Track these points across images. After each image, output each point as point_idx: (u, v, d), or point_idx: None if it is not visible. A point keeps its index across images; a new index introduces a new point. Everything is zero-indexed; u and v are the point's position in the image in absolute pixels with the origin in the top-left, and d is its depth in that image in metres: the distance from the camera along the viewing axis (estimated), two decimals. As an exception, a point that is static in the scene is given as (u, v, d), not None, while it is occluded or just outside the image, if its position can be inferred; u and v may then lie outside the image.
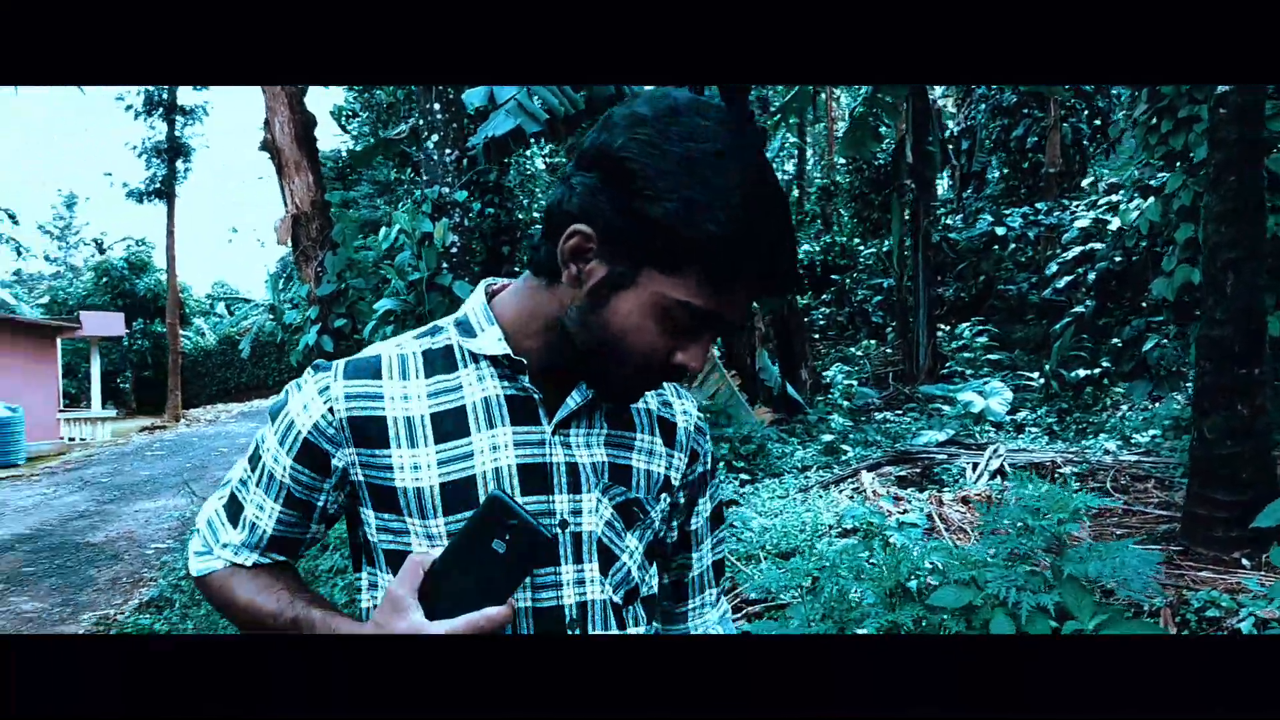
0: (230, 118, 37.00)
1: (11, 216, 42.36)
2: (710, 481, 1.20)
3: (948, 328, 10.42)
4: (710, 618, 1.25)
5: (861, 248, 18.13)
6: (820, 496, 5.74)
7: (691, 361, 0.93)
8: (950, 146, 17.87)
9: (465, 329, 1.02)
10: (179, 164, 20.74)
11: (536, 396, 1.00)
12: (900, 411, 8.44)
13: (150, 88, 19.17)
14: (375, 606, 1.02)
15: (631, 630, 1.06)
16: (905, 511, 4.60)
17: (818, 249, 18.19)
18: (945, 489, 5.66)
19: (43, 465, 15.85)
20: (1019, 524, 2.76)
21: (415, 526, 0.98)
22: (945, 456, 6.30)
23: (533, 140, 7.52)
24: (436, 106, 5.86)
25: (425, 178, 5.91)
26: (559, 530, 0.99)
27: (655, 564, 1.12)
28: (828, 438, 7.23)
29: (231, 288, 41.29)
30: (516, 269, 14.80)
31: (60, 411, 20.06)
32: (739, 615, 3.76)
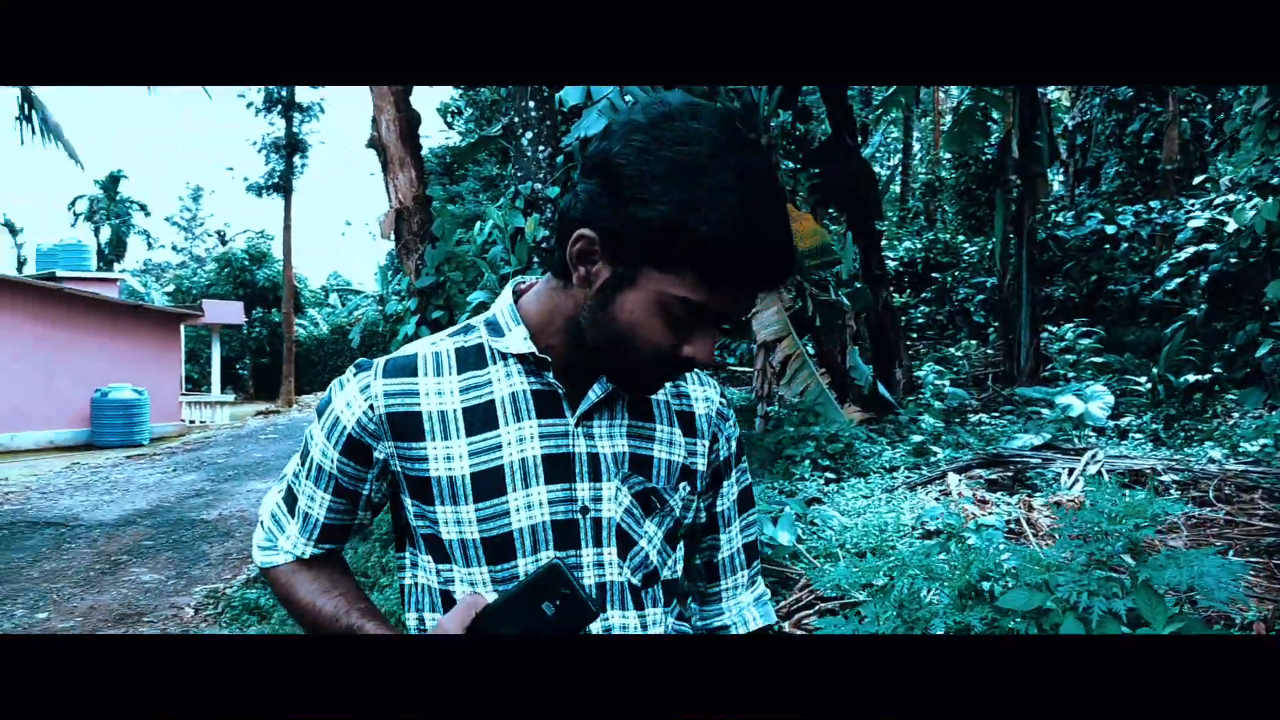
0: (344, 114, 38.44)
1: (143, 209, 45.11)
2: (735, 465, 1.24)
3: (1054, 329, 10.07)
4: (744, 599, 1.29)
5: (966, 245, 17.66)
6: (905, 498, 5.67)
7: (698, 354, 0.98)
8: (1064, 141, 17.23)
9: (494, 329, 1.10)
10: (296, 159, 21.68)
11: (560, 391, 1.07)
12: (997, 414, 8.23)
13: (271, 89, 20.07)
14: (415, 584, 1.13)
15: (649, 610, 1.12)
16: (989, 514, 4.51)
17: (919, 246, 17.79)
18: (1038, 494, 5.52)
19: (164, 445, 16.86)
20: (1095, 528, 2.70)
21: (447, 513, 1.05)
22: (1040, 461, 6.13)
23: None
24: (531, 104, 6.03)
25: (519, 174, 6.09)
26: (579, 515, 1.06)
27: (680, 549, 1.18)
28: (917, 438, 7.12)
29: (345, 279, 42.95)
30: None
31: (182, 395, 21.16)
32: (812, 611, 3.78)
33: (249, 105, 20.58)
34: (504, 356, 1.08)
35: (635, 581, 1.10)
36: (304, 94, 21.51)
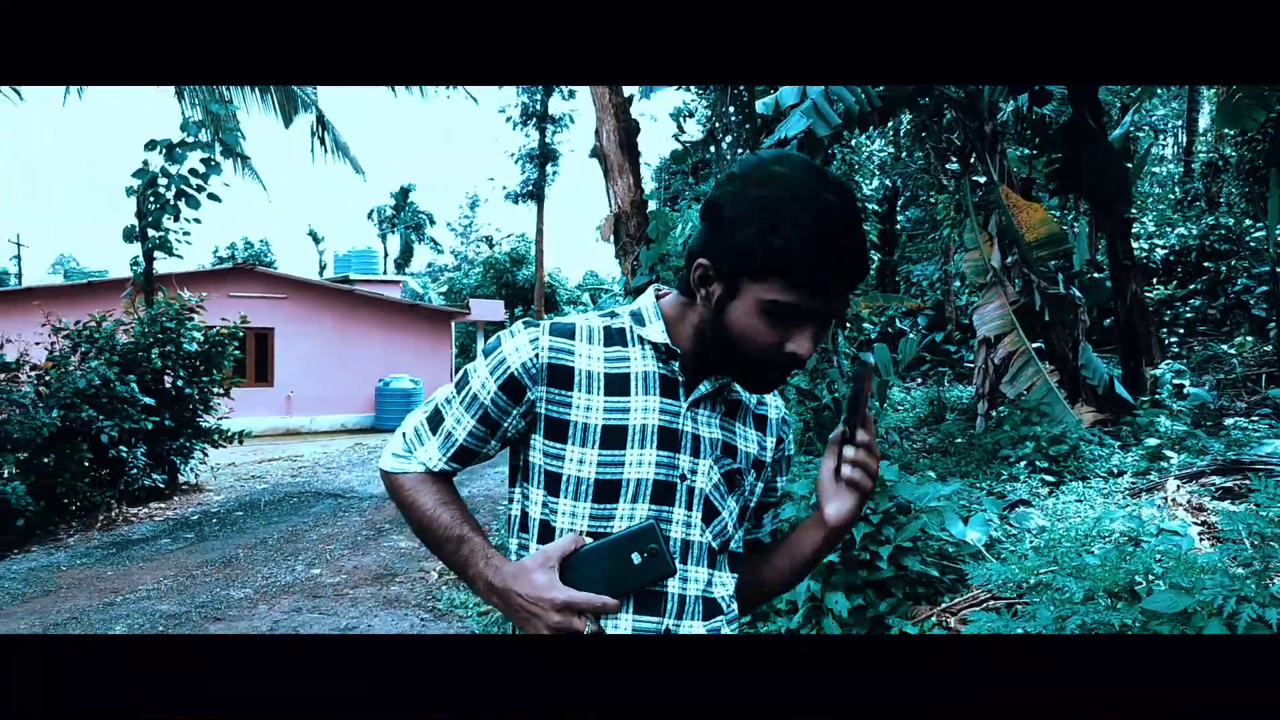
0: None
1: (429, 218, 49.86)
2: (789, 467, 1.52)
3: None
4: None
5: (1253, 230, 15.72)
6: (1121, 503, 5.34)
7: (799, 350, 1.19)
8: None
9: (638, 318, 1.34)
10: (548, 168, 23.15)
11: (681, 379, 1.31)
12: (1255, 418, 7.40)
13: (525, 100, 21.60)
14: (522, 513, 1.36)
15: (719, 573, 1.37)
16: (1197, 521, 4.19)
17: (1194, 232, 16.07)
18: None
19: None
20: (1257, 533, 2.50)
21: (574, 452, 1.28)
22: (1289, 469, 5.51)
23: (828, 141, 7.67)
24: (731, 109, 6.25)
25: (718, 177, 6.31)
26: (678, 481, 1.30)
27: (742, 529, 1.43)
28: (1153, 442, 6.61)
29: (600, 279, 45.18)
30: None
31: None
32: (979, 604, 3.75)
33: (507, 119, 22.34)
34: (643, 342, 1.32)
35: (714, 544, 1.34)
36: (556, 105, 22.96)
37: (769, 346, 1.19)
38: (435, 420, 1.38)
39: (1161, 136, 24.73)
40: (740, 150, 6.18)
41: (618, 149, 7.51)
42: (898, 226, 23.10)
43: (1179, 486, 5.07)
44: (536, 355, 1.28)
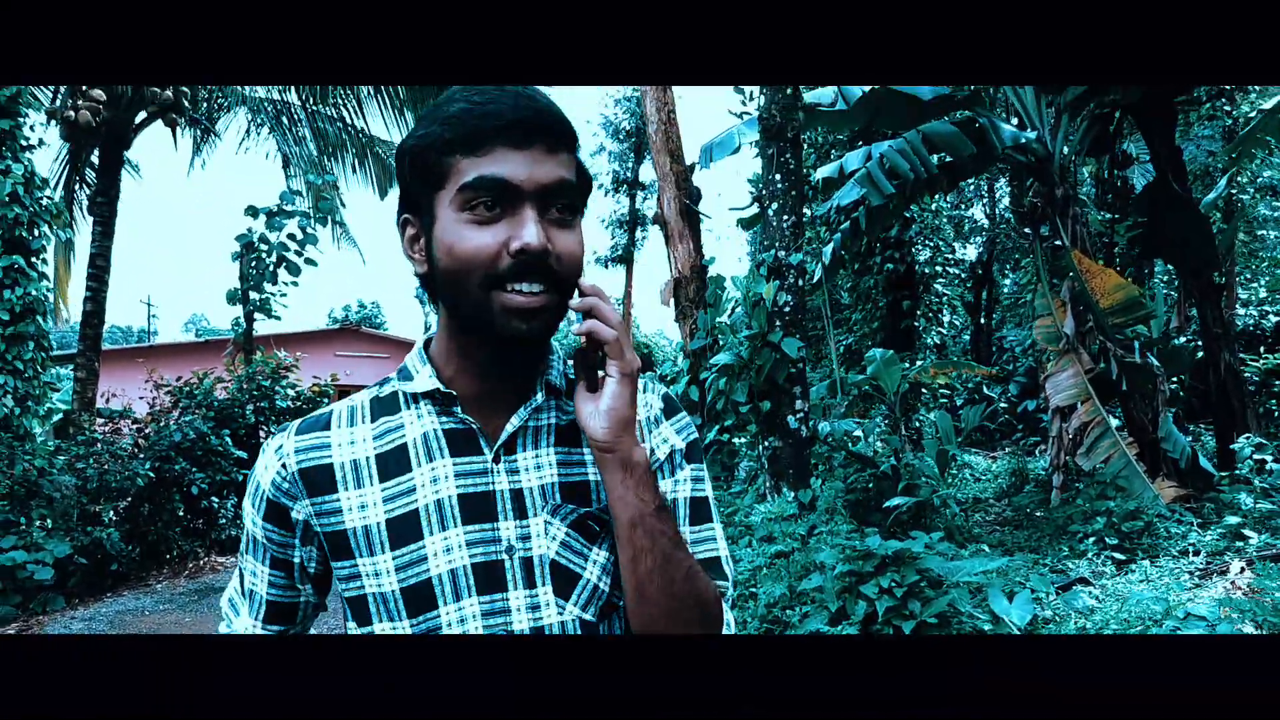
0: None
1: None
2: (677, 469, 1.15)
3: None
4: None
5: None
6: (1183, 585, 5.05)
7: (523, 236, 0.94)
8: None
9: (404, 374, 1.09)
10: (638, 232, 23.66)
11: (475, 426, 1.04)
12: (1358, 497, 6.89)
13: (616, 168, 22.22)
14: None
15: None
16: (1253, 602, 3.94)
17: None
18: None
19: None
20: (1259, 620, 2.34)
21: (365, 566, 1.02)
22: (1378, 554, 5.14)
23: (893, 205, 7.67)
24: (778, 177, 6.34)
25: (765, 242, 6.40)
26: (504, 556, 1.02)
27: None
28: (1234, 520, 6.24)
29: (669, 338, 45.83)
30: (915, 322, 14.58)
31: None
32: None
33: (599, 186, 23.01)
34: (416, 399, 1.07)
35: (589, 617, 1.05)
36: (646, 172, 23.53)
37: (490, 256, 0.94)
38: (241, 582, 1.17)
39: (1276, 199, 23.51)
40: (787, 217, 6.26)
41: (678, 215, 7.68)
42: (999, 292, 22.57)
43: (1242, 569, 4.78)
44: (283, 466, 1.06)
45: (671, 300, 8.09)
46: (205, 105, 11.68)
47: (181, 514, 9.37)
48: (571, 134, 1.00)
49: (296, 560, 1.10)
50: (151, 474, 8.58)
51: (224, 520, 9.92)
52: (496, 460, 1.04)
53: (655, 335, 38.74)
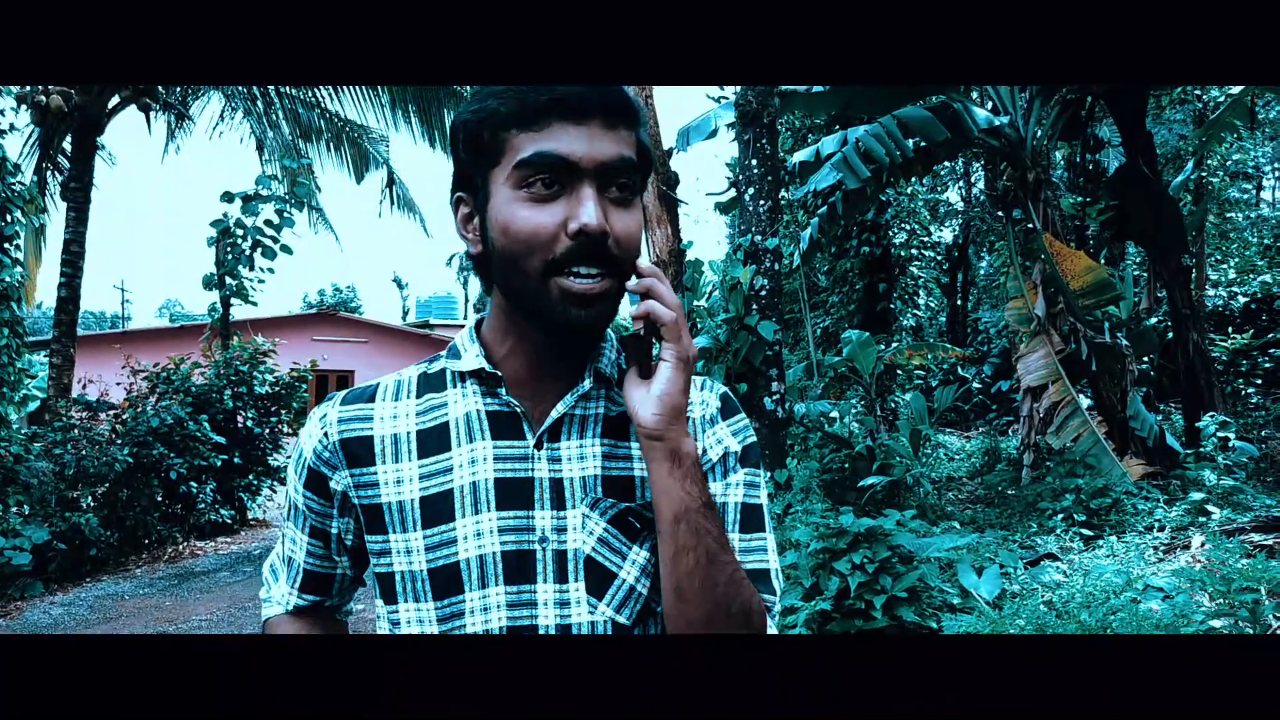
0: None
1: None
2: (728, 473, 1.08)
3: None
4: None
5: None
6: (1148, 559, 5.20)
7: (581, 216, 0.90)
8: None
9: (453, 352, 1.06)
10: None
11: (519, 410, 1.01)
12: (1316, 473, 7.09)
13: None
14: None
15: None
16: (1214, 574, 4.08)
17: (1276, 280, 15.43)
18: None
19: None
20: (1209, 590, 2.45)
21: (397, 542, 0.99)
22: (1335, 528, 5.30)
23: (871, 190, 7.75)
24: (754, 162, 6.40)
25: (742, 227, 6.47)
26: (536, 546, 0.98)
27: None
28: (1198, 496, 6.40)
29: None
30: (891, 305, 14.73)
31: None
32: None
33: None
34: (463, 378, 1.04)
35: (623, 620, 0.99)
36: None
37: (548, 237, 0.90)
38: (283, 549, 1.16)
39: (1250, 181, 23.86)
40: (762, 203, 6.32)
41: (656, 200, 7.72)
42: (975, 274, 22.78)
43: (1203, 543, 4.93)
44: (325, 434, 1.04)
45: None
46: (179, 90, 11.58)
47: (160, 499, 9.36)
48: (632, 109, 0.95)
49: (334, 531, 1.08)
50: (129, 459, 8.56)
51: (203, 505, 9.92)
52: (539, 446, 1.00)
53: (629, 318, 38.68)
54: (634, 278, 0.96)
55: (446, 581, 0.97)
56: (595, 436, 1.02)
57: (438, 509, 0.98)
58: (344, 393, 1.07)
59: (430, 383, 1.06)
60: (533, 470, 0.99)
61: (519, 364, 1.02)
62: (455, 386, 1.04)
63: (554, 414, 1.00)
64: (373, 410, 1.04)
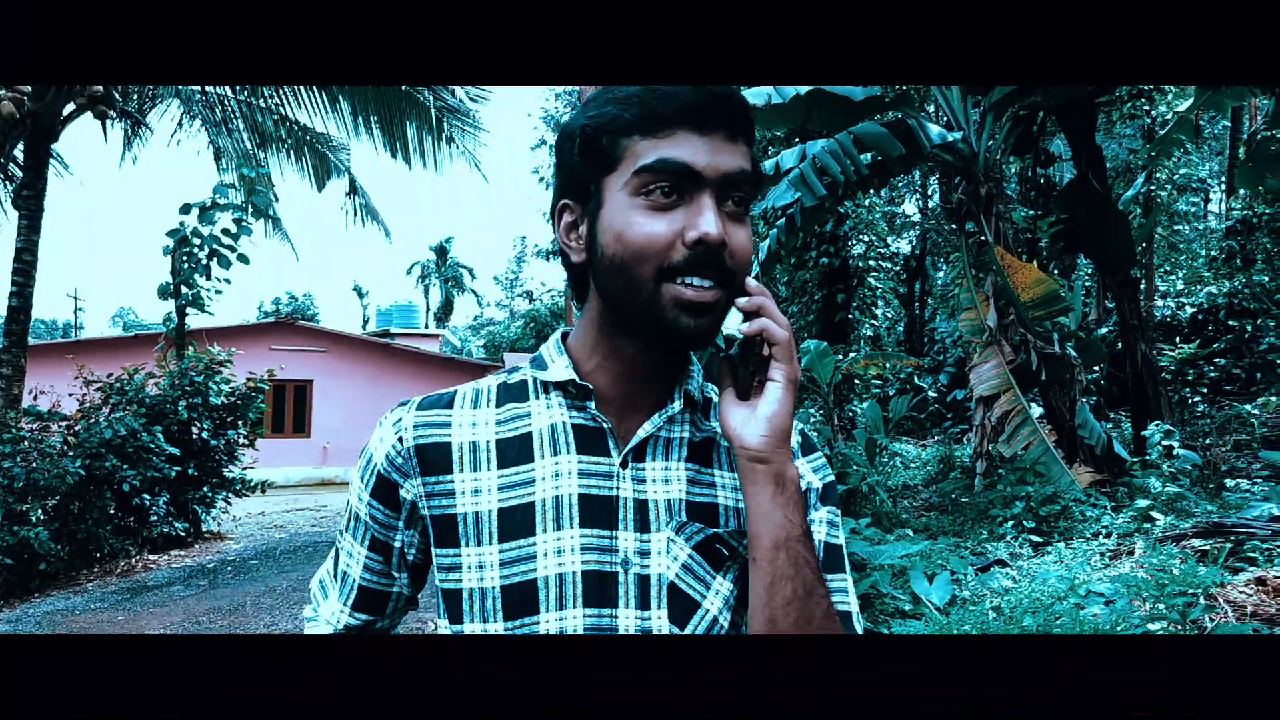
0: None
1: (471, 272, 50.92)
2: (812, 507, 1.04)
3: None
4: None
5: (1288, 288, 15.48)
6: (1095, 565, 5.34)
7: (701, 226, 0.87)
8: None
9: (538, 363, 1.03)
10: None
11: (606, 425, 0.97)
12: (1256, 480, 7.32)
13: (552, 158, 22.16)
14: None
15: None
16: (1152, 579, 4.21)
17: (1224, 290, 15.89)
18: (1257, 568, 4.98)
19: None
20: (1144, 595, 2.55)
21: (469, 557, 0.95)
22: (1270, 533, 5.48)
23: (829, 204, 7.87)
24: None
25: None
26: (619, 569, 0.94)
27: None
28: (1144, 503, 6.58)
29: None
30: (850, 315, 14.93)
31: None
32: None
33: (540, 179, 22.97)
34: (548, 389, 1.00)
35: None
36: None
37: (664, 245, 0.87)
38: (335, 562, 1.10)
39: (1198, 195, 24.51)
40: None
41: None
42: (932, 284, 23.15)
43: (1145, 550, 5.07)
44: (399, 440, 0.99)
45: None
46: (136, 97, 11.43)
47: (112, 512, 9.21)
48: (751, 122, 0.93)
49: (397, 544, 1.03)
50: (81, 471, 8.42)
51: (156, 518, 9.78)
52: (624, 465, 0.96)
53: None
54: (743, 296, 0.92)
55: (520, 600, 0.93)
56: (680, 460, 0.99)
57: (517, 522, 0.94)
58: (418, 399, 1.03)
59: (510, 393, 1.02)
60: (617, 489, 0.95)
61: (606, 379, 0.98)
62: (539, 398, 1.00)
63: (641, 433, 0.96)
64: (450, 417, 0.99)
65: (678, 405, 0.99)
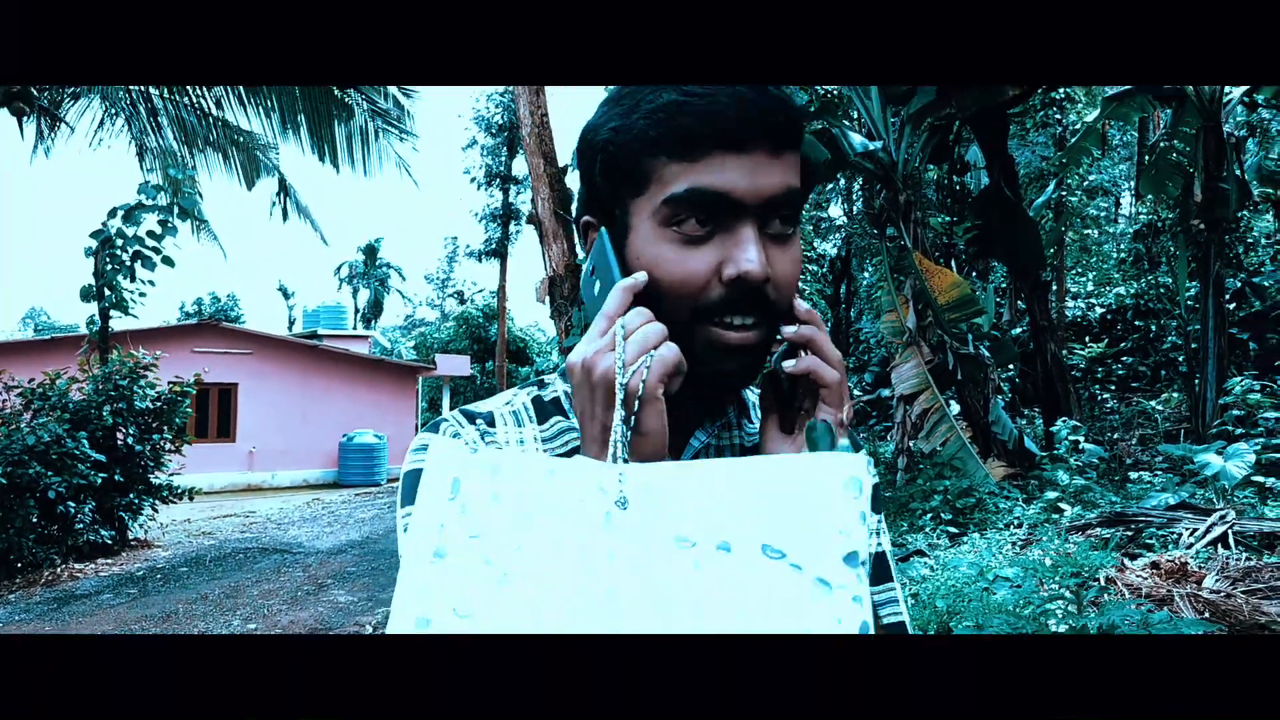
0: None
1: (400, 273, 50.34)
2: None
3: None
4: None
5: (1193, 289, 16.36)
6: (1005, 555, 5.69)
7: (744, 259, 0.77)
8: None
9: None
10: (512, 226, 23.66)
11: None
12: (1157, 472, 7.83)
13: (489, 161, 22.17)
14: None
15: None
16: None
17: (1131, 291, 16.72)
18: (1153, 554, 5.38)
19: (394, 485, 18.79)
20: (1039, 578, 2.82)
21: None
22: (1165, 521, 5.91)
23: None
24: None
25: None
26: None
27: None
28: (1052, 495, 6.99)
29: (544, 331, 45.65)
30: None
31: (416, 439, 23.52)
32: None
33: (471, 180, 22.97)
34: None
35: None
36: (519, 168, 23.58)
37: (699, 285, 0.79)
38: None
39: (1109, 198, 25.63)
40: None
41: (551, 216, 7.93)
42: (858, 286, 23.75)
43: (1049, 538, 5.43)
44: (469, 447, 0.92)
45: (547, 297, 8.36)
46: (49, 91, 11.14)
47: (36, 520, 9.01)
48: (797, 127, 0.82)
49: None
50: (2, 479, 8.24)
51: (81, 525, 9.59)
52: None
53: (530, 328, 38.79)
54: (790, 324, 0.84)
55: None
56: None
57: None
58: (456, 413, 0.95)
59: (548, 408, 0.96)
60: None
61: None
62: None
63: (694, 443, 0.92)
64: (496, 434, 0.93)
65: (730, 414, 0.97)
